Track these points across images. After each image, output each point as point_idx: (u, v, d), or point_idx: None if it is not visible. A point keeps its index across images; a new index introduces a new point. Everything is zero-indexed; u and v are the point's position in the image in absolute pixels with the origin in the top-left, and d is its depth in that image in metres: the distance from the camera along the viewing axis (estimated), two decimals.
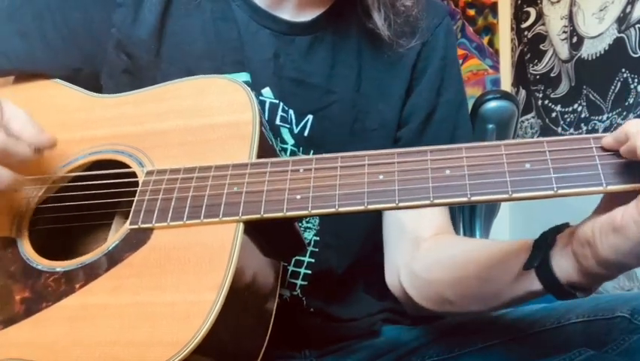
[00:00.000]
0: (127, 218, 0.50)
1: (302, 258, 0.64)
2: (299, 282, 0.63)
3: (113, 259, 0.47)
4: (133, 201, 0.50)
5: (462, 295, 0.56)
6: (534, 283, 0.47)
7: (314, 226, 0.64)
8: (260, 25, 0.62)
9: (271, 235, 0.50)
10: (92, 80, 0.62)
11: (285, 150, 0.62)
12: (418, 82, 0.65)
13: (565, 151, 0.40)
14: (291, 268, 0.63)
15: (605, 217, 0.41)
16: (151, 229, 0.47)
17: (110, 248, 0.48)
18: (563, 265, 0.45)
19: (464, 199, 0.40)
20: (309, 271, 0.63)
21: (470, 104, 0.86)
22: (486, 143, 0.42)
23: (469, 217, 0.86)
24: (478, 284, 0.54)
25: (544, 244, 0.46)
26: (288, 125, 0.62)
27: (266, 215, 0.45)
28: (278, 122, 0.61)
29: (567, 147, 0.40)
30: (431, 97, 0.65)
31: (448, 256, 0.60)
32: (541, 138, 0.41)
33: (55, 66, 0.61)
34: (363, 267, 0.69)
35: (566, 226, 0.46)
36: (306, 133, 0.62)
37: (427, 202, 0.41)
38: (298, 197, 0.44)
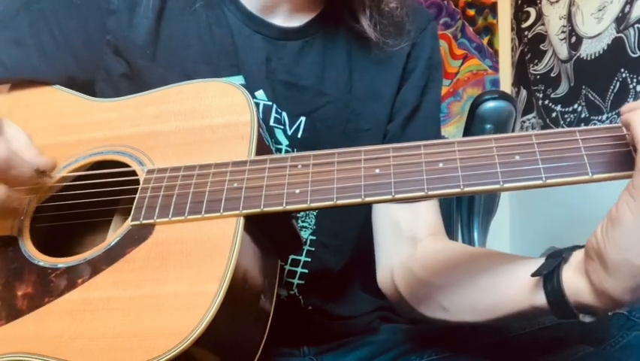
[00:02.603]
0: (126, 217, 0.52)
1: (298, 257, 0.66)
2: (296, 281, 0.66)
3: (115, 254, 0.49)
4: (133, 199, 0.52)
5: (458, 303, 0.56)
6: (537, 297, 0.47)
7: (310, 225, 0.67)
8: (252, 30, 0.65)
9: (270, 231, 0.52)
10: (87, 88, 0.64)
11: (279, 150, 0.65)
12: (405, 81, 0.69)
13: (552, 143, 0.43)
14: (287, 267, 0.66)
15: (605, 218, 0.43)
16: (152, 225, 0.50)
17: (112, 244, 0.50)
18: (574, 282, 0.45)
19: (457, 190, 0.43)
20: (306, 270, 0.66)
21: (469, 104, 0.90)
22: (477, 137, 0.45)
23: (467, 217, 0.89)
24: (477, 293, 0.54)
25: (556, 257, 0.47)
26: (281, 127, 0.65)
27: (266, 209, 0.47)
28: (272, 123, 0.64)
29: (554, 139, 0.43)
30: (417, 94, 0.69)
31: (449, 260, 0.60)
32: (529, 132, 0.44)
33: (50, 74, 0.64)
34: (360, 265, 0.71)
35: (582, 247, 0.47)
36: (299, 134, 0.65)
37: (422, 193, 0.43)
38: (297, 191, 0.47)
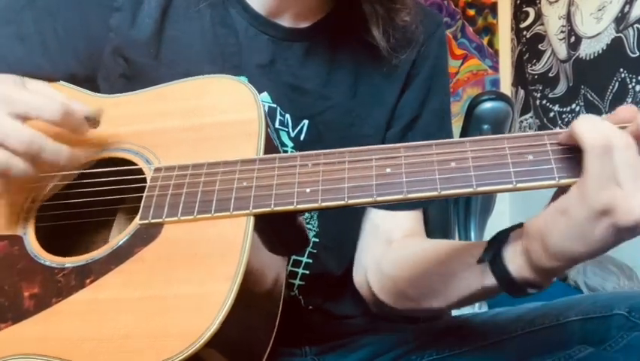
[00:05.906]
0: (130, 215, 0.52)
1: (300, 258, 0.67)
2: (297, 282, 0.66)
3: (124, 254, 0.49)
4: (138, 198, 0.52)
5: (420, 291, 0.60)
6: (488, 279, 0.50)
7: (314, 227, 0.67)
8: (258, 30, 0.65)
9: (279, 230, 0.53)
10: (89, 84, 0.64)
11: (284, 152, 0.66)
12: (407, 88, 0.69)
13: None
14: (288, 268, 0.66)
15: (553, 204, 0.44)
16: (161, 224, 0.50)
17: (120, 243, 0.50)
18: (515, 261, 0.48)
19: (470, 190, 0.44)
20: (307, 272, 0.67)
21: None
22: (489, 136, 0.45)
23: (464, 216, 0.90)
24: (436, 280, 0.57)
25: (497, 241, 0.50)
26: (285, 129, 0.65)
27: (277, 208, 0.47)
28: (276, 125, 0.65)
29: None
30: (416, 104, 0.69)
31: (411, 253, 0.63)
32: (541, 132, 0.45)
33: (53, 71, 0.64)
34: None
35: (520, 225, 0.49)
36: (302, 137, 0.65)
37: (435, 193, 0.44)
38: (308, 190, 0.47)
